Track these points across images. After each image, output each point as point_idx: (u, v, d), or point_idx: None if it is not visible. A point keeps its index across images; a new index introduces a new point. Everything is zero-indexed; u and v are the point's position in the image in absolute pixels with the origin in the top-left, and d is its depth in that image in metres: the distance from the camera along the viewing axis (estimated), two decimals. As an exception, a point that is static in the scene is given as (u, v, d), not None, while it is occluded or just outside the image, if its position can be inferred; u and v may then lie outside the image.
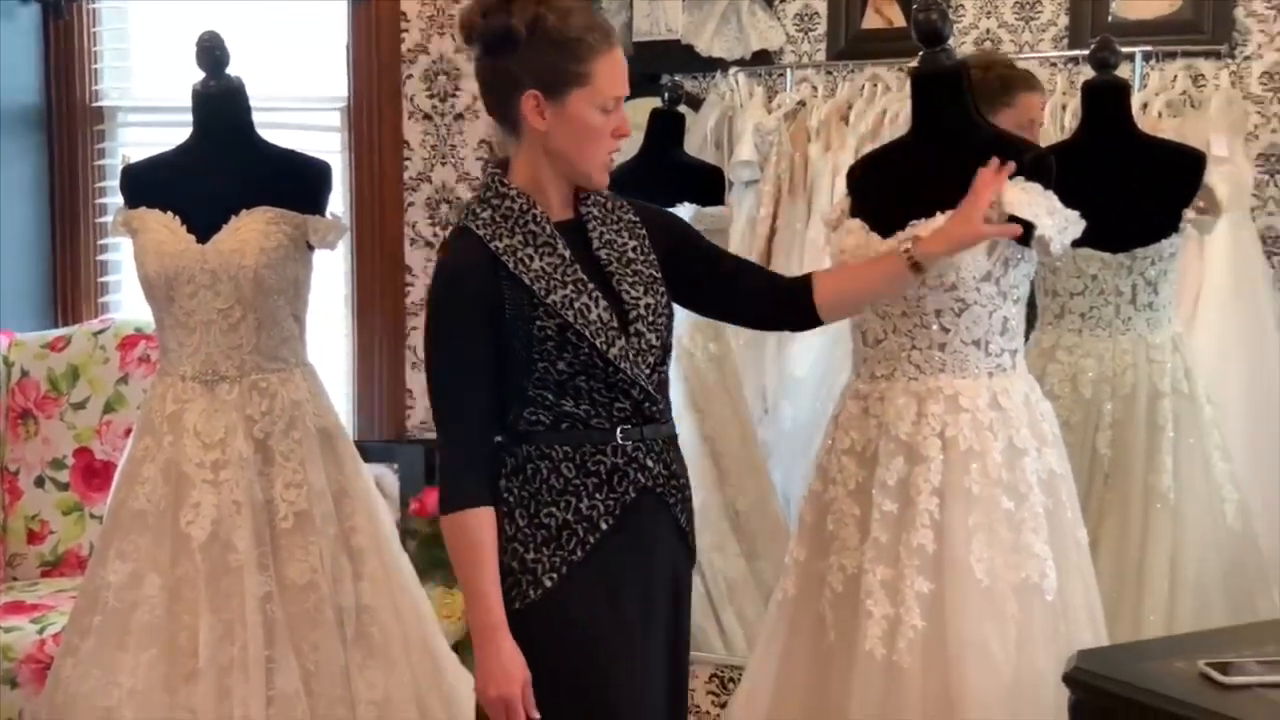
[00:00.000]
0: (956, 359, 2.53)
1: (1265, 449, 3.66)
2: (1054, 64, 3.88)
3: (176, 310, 3.12)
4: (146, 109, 4.59)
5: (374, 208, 4.30)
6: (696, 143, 4.21)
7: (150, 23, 4.59)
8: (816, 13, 4.39)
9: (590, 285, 2.28)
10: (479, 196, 2.34)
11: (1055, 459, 2.55)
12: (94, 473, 4.15)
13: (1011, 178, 2.48)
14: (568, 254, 2.29)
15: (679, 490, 2.38)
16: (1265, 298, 3.84)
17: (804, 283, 2.46)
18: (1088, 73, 3.30)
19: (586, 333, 2.25)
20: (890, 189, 2.65)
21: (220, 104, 3.18)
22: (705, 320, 3.94)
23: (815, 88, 4.36)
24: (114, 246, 4.55)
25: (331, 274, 4.20)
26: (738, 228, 4.24)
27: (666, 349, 2.37)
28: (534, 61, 2.23)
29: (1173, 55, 3.92)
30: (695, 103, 4.28)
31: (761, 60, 4.35)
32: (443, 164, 4.29)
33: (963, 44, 4.07)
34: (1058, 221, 2.47)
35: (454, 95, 4.26)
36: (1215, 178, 3.33)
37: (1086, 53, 3.32)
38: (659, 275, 2.37)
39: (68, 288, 4.60)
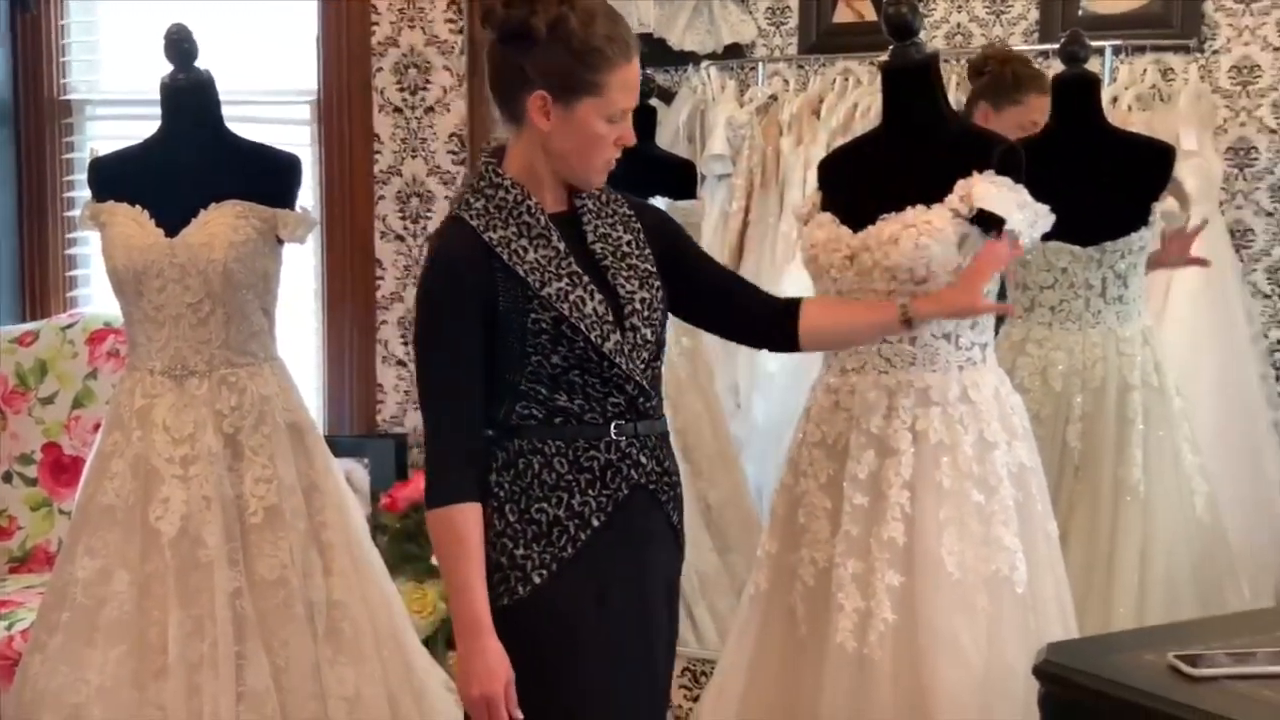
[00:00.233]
0: (927, 352, 2.53)
1: (1234, 442, 3.68)
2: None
3: (145, 304, 3.10)
4: (115, 102, 4.56)
5: (344, 201, 4.28)
6: (669, 136, 4.21)
7: (118, 15, 4.56)
8: (788, 6, 4.39)
9: (585, 278, 2.25)
10: (472, 186, 2.29)
11: (1025, 452, 2.56)
12: (63, 468, 4.13)
13: (982, 171, 2.49)
14: (562, 246, 2.25)
15: (671, 487, 2.35)
16: (1234, 291, 3.87)
17: (792, 308, 2.43)
18: (1058, 67, 3.31)
19: (582, 326, 2.22)
20: (861, 183, 2.65)
21: (189, 97, 3.16)
22: (677, 315, 3.95)
23: (787, 81, 4.37)
24: (83, 240, 4.52)
25: (301, 268, 4.18)
26: (710, 222, 4.24)
27: (661, 344, 2.34)
28: (548, 63, 2.18)
29: (1142, 49, 3.94)
30: (667, 96, 4.28)
31: (733, 54, 4.35)
32: (413, 157, 4.28)
33: (934, 38, 4.08)
34: (1028, 215, 2.48)
35: (424, 88, 4.25)
36: (1184, 171, 3.35)
37: (1056, 47, 3.32)
38: (654, 270, 2.34)
39: (36, 282, 4.57)
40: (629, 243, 2.33)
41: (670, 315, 2.40)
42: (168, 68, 3.15)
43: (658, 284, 2.33)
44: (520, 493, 2.25)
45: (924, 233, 2.48)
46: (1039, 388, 3.13)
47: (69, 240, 4.57)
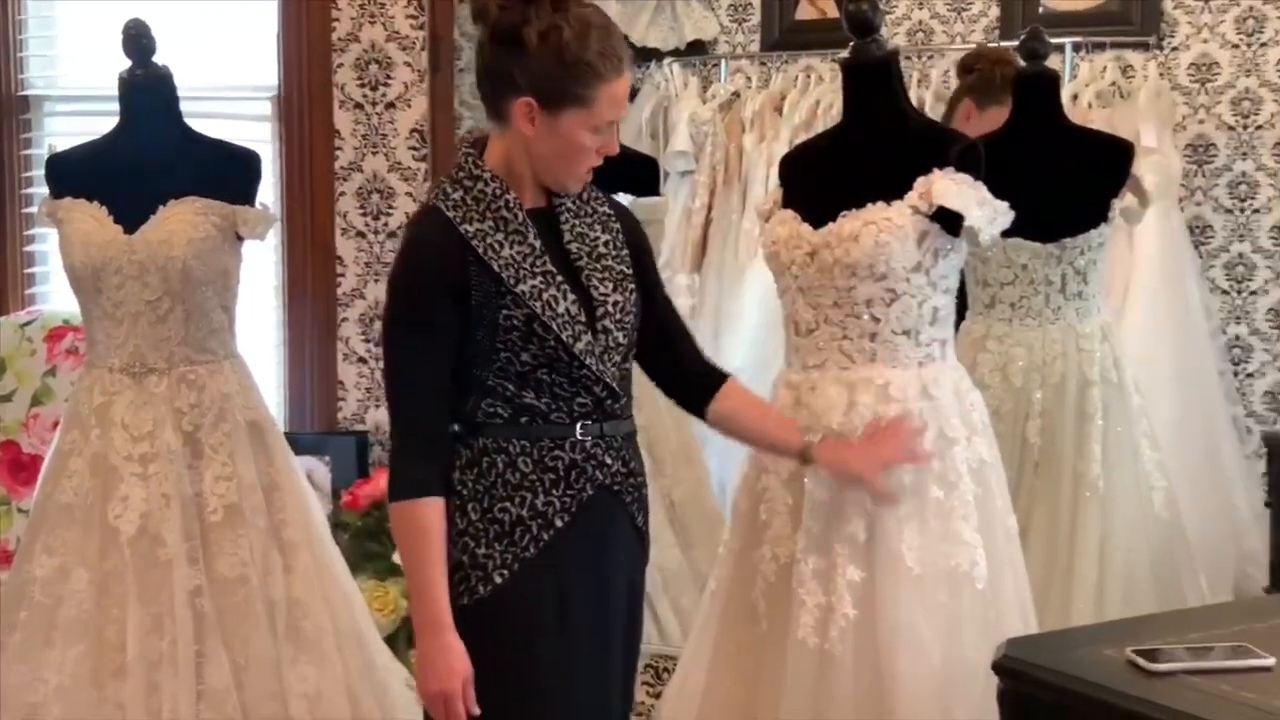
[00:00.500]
0: (887, 349, 2.53)
1: (1193, 438, 3.72)
2: (986, 56, 3.89)
3: (104, 301, 3.08)
4: (73, 98, 4.52)
5: (304, 198, 4.26)
6: (631, 133, 4.22)
7: (77, 11, 4.52)
8: (750, 4, 4.40)
9: (559, 277, 2.23)
10: (451, 176, 2.27)
11: (985, 447, 2.57)
12: (21, 466, 4.09)
13: (942, 168, 2.49)
14: (538, 244, 2.23)
15: (636, 489, 2.33)
16: (1193, 287, 3.90)
17: (716, 381, 2.43)
18: (1018, 64, 3.32)
19: (554, 325, 2.20)
20: (822, 180, 2.65)
21: (147, 93, 3.14)
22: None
23: (749, 78, 4.38)
24: (41, 237, 4.48)
25: (262, 264, 4.16)
26: (673, 218, 4.25)
27: (632, 346, 2.32)
28: (536, 72, 2.15)
29: (1102, 47, 3.98)
30: (630, 93, 4.27)
31: (696, 51, 4.36)
32: (374, 153, 4.26)
33: (895, 35, 4.10)
34: (987, 212, 2.48)
35: (385, 84, 4.23)
36: (1144, 168, 3.37)
37: (1017, 44, 3.34)
38: (629, 272, 2.32)
39: (-7, 279, 4.53)
40: (606, 243, 2.32)
41: None
42: (126, 63, 3.13)
43: (632, 286, 2.31)
44: (483, 492, 2.23)
45: (884, 229, 2.48)
46: (999, 384, 3.14)
47: (27, 237, 4.52)
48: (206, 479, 3.06)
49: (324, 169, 4.26)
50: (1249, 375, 4.02)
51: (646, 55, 4.29)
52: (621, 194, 3.80)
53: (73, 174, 3.16)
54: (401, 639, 3.62)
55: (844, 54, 2.65)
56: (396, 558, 3.33)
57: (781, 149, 3.77)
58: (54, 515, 3.06)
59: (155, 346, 3.07)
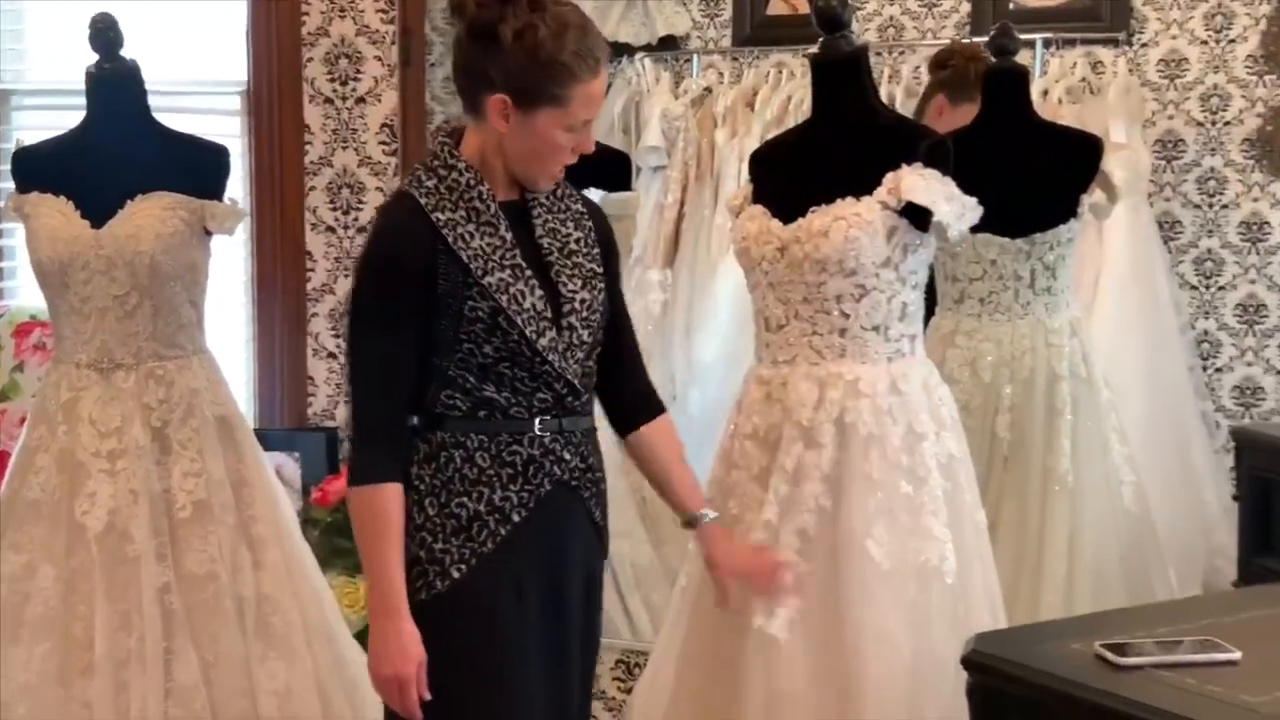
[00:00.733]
0: (857, 344, 2.54)
1: (1162, 432, 3.73)
2: (956, 51, 3.90)
3: (71, 297, 3.06)
4: (41, 92, 4.49)
5: (274, 193, 4.24)
6: (603, 128, 4.21)
7: (44, 4, 4.48)
8: None
9: (528, 272, 2.23)
10: (426, 164, 2.27)
11: (954, 443, 2.57)
12: (-13, 463, 4.06)
13: (910, 163, 2.50)
14: (509, 237, 2.23)
15: (594, 484, 2.33)
16: (1162, 282, 3.92)
17: (646, 412, 2.44)
18: (988, 59, 3.33)
19: (518, 320, 2.20)
20: (791, 175, 2.65)
21: (115, 87, 3.12)
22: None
23: (721, 74, 4.38)
24: (8, 232, 4.45)
25: (231, 260, 4.14)
26: (645, 214, 4.25)
27: (596, 344, 2.32)
28: (511, 70, 2.15)
29: (1072, 42, 3.99)
30: (602, 88, 4.26)
31: (668, 46, 4.36)
32: (344, 148, 4.24)
33: (865, 31, 4.11)
34: (955, 208, 2.49)
35: (355, 79, 4.21)
36: (1113, 164, 3.39)
37: (987, 39, 3.35)
38: (599, 270, 2.32)
39: (-40, 274, 4.50)
40: (577, 240, 2.31)
41: None
42: (93, 57, 3.11)
43: (601, 285, 2.31)
44: (441, 486, 2.23)
45: (853, 225, 2.49)
46: (968, 379, 3.15)
47: (-7, 232, 4.50)
48: (175, 475, 3.05)
49: (294, 164, 4.24)
50: (1218, 370, 4.04)
51: (618, 50, 4.28)
52: (593, 189, 3.81)
53: (40, 168, 3.14)
54: (372, 635, 3.61)
55: (814, 49, 2.65)
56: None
57: (753, 144, 3.77)
58: (21, 512, 3.04)
59: (123, 342, 3.05)
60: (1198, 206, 4.03)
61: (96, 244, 3.03)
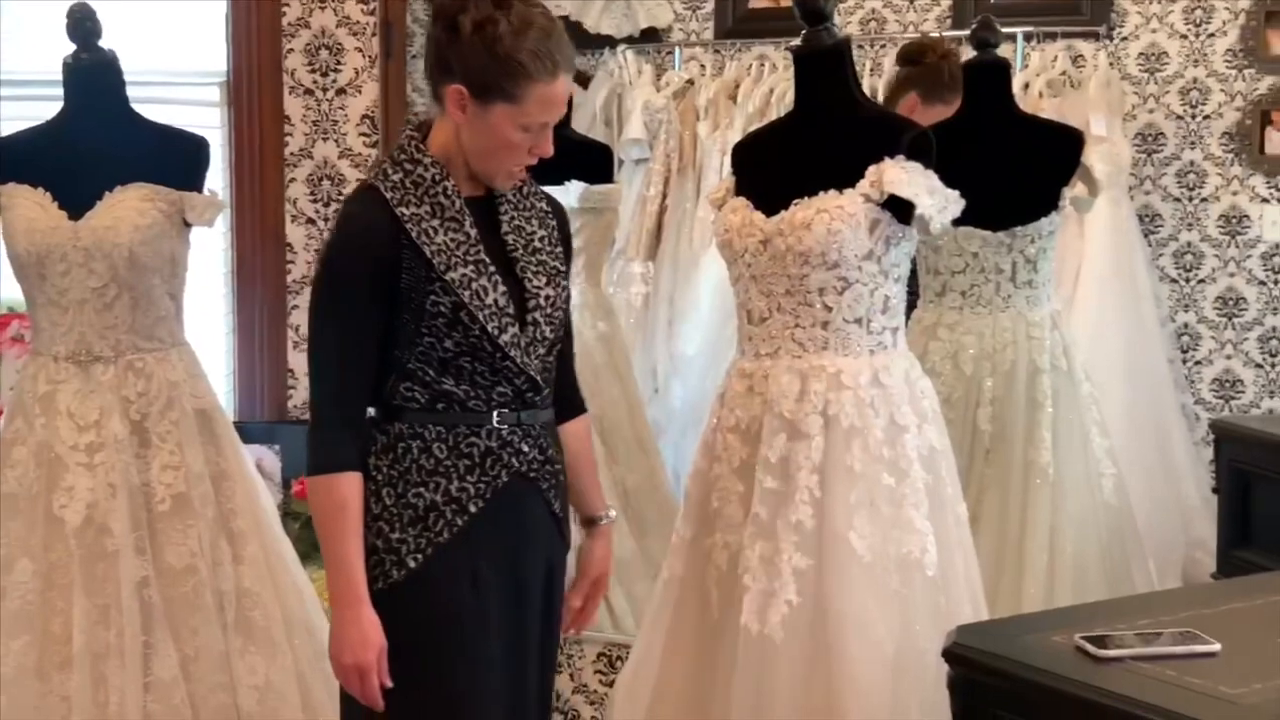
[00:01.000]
0: (839, 337, 2.54)
1: (1142, 425, 3.75)
2: (938, 44, 3.91)
3: (49, 289, 3.04)
4: (17, 82, 4.45)
5: (254, 184, 4.22)
6: (585, 120, 4.21)
7: (21, -7, 4.45)
8: (704, -10, 4.39)
9: (491, 268, 2.24)
10: (392, 158, 2.28)
11: (935, 435, 2.58)
12: (-36, 456, 4.03)
13: (893, 156, 2.50)
14: (473, 233, 2.25)
15: (553, 475, 2.35)
16: (1142, 275, 3.93)
17: (570, 411, 2.46)
18: (969, 53, 3.33)
19: (480, 315, 2.21)
20: (774, 167, 2.65)
21: (92, 77, 3.10)
22: (594, 299, 3.95)
23: (704, 66, 4.38)
24: (-16, 223, 4.42)
25: (210, 251, 4.12)
26: (627, 206, 4.24)
27: (558, 340, 2.34)
28: (469, 60, 2.16)
29: (1053, 36, 4.00)
30: (584, 80, 4.26)
31: (650, 38, 4.35)
32: (324, 140, 4.23)
33: (847, 24, 4.11)
34: (937, 200, 2.49)
35: (336, 70, 4.20)
36: (1094, 157, 3.40)
37: (968, 33, 3.35)
38: (563, 268, 2.34)
39: (-65, 266, 4.46)
40: (541, 237, 2.33)
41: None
42: (70, 47, 3.09)
43: (565, 282, 2.34)
44: (398, 477, 2.25)
45: (836, 217, 2.48)
46: (950, 371, 3.16)
47: (-30, 223, 4.46)
48: (154, 468, 3.03)
49: (274, 155, 4.22)
50: (1197, 363, 4.06)
51: (600, 42, 4.28)
52: (575, 181, 3.81)
53: (16, 160, 3.11)
54: (352, 629, 3.60)
55: (796, 42, 2.65)
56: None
57: (736, 137, 3.77)
58: (-2, 506, 3.03)
59: (101, 334, 3.04)
60: (1177, 200, 4.04)
61: (74, 236, 3.02)
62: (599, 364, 3.95)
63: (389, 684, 2.21)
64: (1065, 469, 3.14)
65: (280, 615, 3.10)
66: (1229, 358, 4.04)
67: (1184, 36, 4.00)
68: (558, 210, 2.41)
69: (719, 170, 4.09)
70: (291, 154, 4.25)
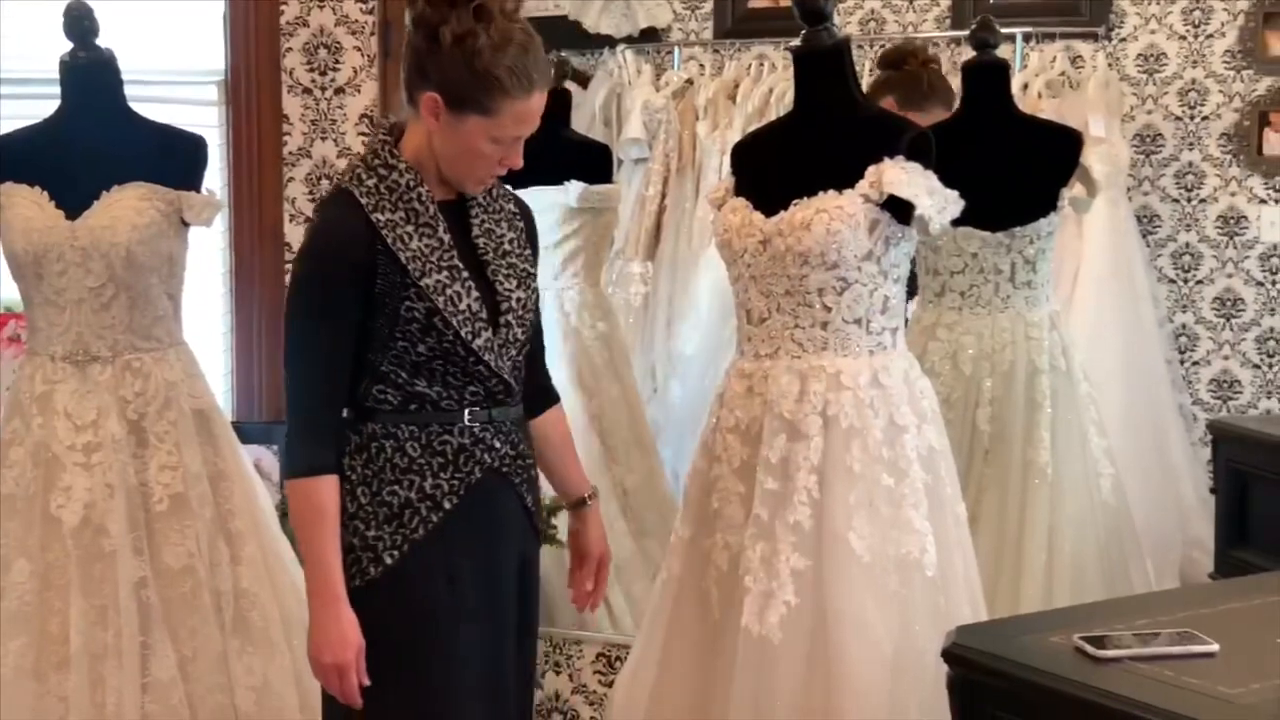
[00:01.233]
0: (838, 337, 2.54)
1: (1140, 425, 3.75)
2: (936, 44, 3.93)
3: (46, 288, 3.04)
4: (14, 81, 4.44)
5: (252, 184, 4.21)
6: (585, 120, 4.20)
7: (18, -9, 4.45)
8: (703, -10, 4.39)
9: (465, 273, 2.27)
10: (366, 162, 2.30)
11: (935, 435, 2.58)
12: (-39, 456, 4.02)
13: (892, 156, 2.50)
14: (447, 238, 2.28)
15: (525, 470, 2.39)
16: (1141, 276, 3.93)
17: (545, 401, 2.52)
18: (969, 53, 3.33)
19: (454, 321, 2.24)
20: (773, 168, 2.65)
21: (90, 76, 3.10)
22: (593, 298, 3.96)
23: (703, 66, 4.37)
24: (-18, 223, 4.41)
25: (208, 251, 4.11)
26: (626, 206, 4.24)
27: (529, 341, 2.38)
28: (447, 71, 2.19)
29: (1052, 37, 3.99)
30: (583, 79, 4.26)
31: (649, 38, 4.35)
32: (323, 139, 4.22)
33: (847, 24, 4.10)
34: (937, 201, 2.49)
35: (335, 69, 4.19)
36: (1092, 158, 3.39)
37: (967, 33, 3.35)
38: (533, 271, 2.38)
39: (-68, 265, 4.45)
40: (511, 240, 2.37)
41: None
42: (67, 45, 3.08)
43: (534, 285, 2.38)
44: (373, 476, 2.28)
45: (835, 218, 2.48)
46: (949, 372, 3.16)
47: (-32, 222, 4.45)
48: (152, 468, 3.03)
49: (272, 154, 4.21)
50: (1195, 364, 4.06)
51: (600, 42, 4.28)
52: (574, 181, 3.81)
53: (13, 159, 3.12)
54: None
55: (796, 42, 2.65)
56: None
57: (735, 137, 3.77)
58: (-5, 506, 3.02)
59: (99, 334, 3.03)
60: (1176, 201, 4.04)
61: (72, 235, 3.01)
62: (598, 364, 3.95)
63: (367, 682, 2.23)
64: (1064, 469, 3.15)
65: (278, 616, 3.10)
66: (1227, 358, 4.04)
67: (1182, 38, 4.00)
68: (525, 212, 2.44)
69: (718, 170, 4.08)
70: (290, 153, 4.24)
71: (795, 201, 2.55)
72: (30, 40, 4.34)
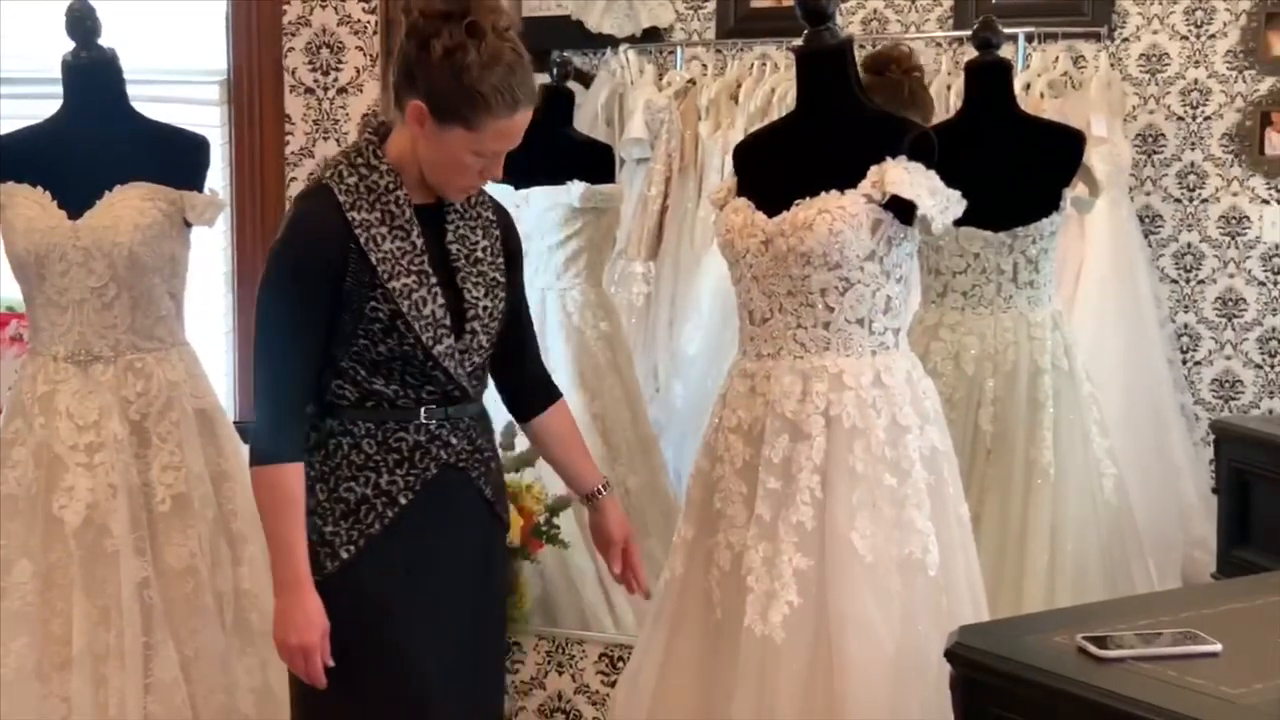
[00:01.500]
0: (841, 337, 2.54)
1: (1142, 425, 3.74)
2: (939, 44, 3.92)
3: (48, 288, 3.04)
4: (15, 80, 4.44)
5: (254, 184, 4.22)
6: (587, 120, 4.20)
7: (19, -9, 4.45)
8: (706, -10, 4.39)
9: (433, 278, 2.30)
10: (349, 159, 2.33)
11: (937, 435, 2.58)
12: (-37, 456, 4.02)
13: (894, 156, 2.50)
14: (419, 242, 2.30)
15: (483, 463, 2.41)
16: (1143, 276, 3.93)
17: (542, 400, 2.56)
18: (971, 53, 3.33)
19: (415, 325, 2.27)
20: (776, 168, 2.65)
21: (92, 76, 3.10)
22: (595, 298, 3.96)
23: (705, 66, 4.37)
24: (-16, 223, 4.41)
25: (211, 251, 4.11)
26: (628, 206, 4.24)
27: (492, 348, 2.40)
28: (435, 82, 2.21)
29: (1054, 37, 3.99)
30: (585, 79, 4.26)
31: (651, 37, 4.34)
32: (325, 139, 4.22)
33: (849, 24, 4.10)
34: (939, 201, 2.49)
35: (337, 69, 4.19)
36: (1094, 158, 3.39)
37: (970, 33, 3.35)
38: (503, 280, 2.40)
39: (-65, 266, 4.45)
40: (485, 248, 2.39)
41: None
42: (69, 45, 3.08)
43: (503, 294, 2.39)
44: (330, 473, 2.31)
45: (838, 218, 2.48)
46: (951, 372, 3.16)
47: (-31, 223, 4.45)
48: (154, 469, 3.03)
49: (274, 154, 4.22)
50: (1197, 363, 4.05)
51: (602, 41, 4.27)
52: (577, 181, 3.81)
53: (15, 159, 3.12)
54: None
55: (798, 42, 2.65)
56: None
57: (737, 137, 3.76)
58: (-3, 506, 3.03)
59: (101, 334, 3.03)
60: (1178, 201, 4.03)
61: (74, 235, 3.01)
62: (600, 364, 3.95)
63: (331, 663, 2.26)
64: (1066, 469, 3.15)
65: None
66: (1229, 358, 4.03)
67: (1185, 38, 4.00)
68: (502, 218, 2.46)
69: (720, 170, 4.08)
70: (292, 153, 4.24)
71: (797, 201, 2.55)
72: (31, 40, 4.35)
